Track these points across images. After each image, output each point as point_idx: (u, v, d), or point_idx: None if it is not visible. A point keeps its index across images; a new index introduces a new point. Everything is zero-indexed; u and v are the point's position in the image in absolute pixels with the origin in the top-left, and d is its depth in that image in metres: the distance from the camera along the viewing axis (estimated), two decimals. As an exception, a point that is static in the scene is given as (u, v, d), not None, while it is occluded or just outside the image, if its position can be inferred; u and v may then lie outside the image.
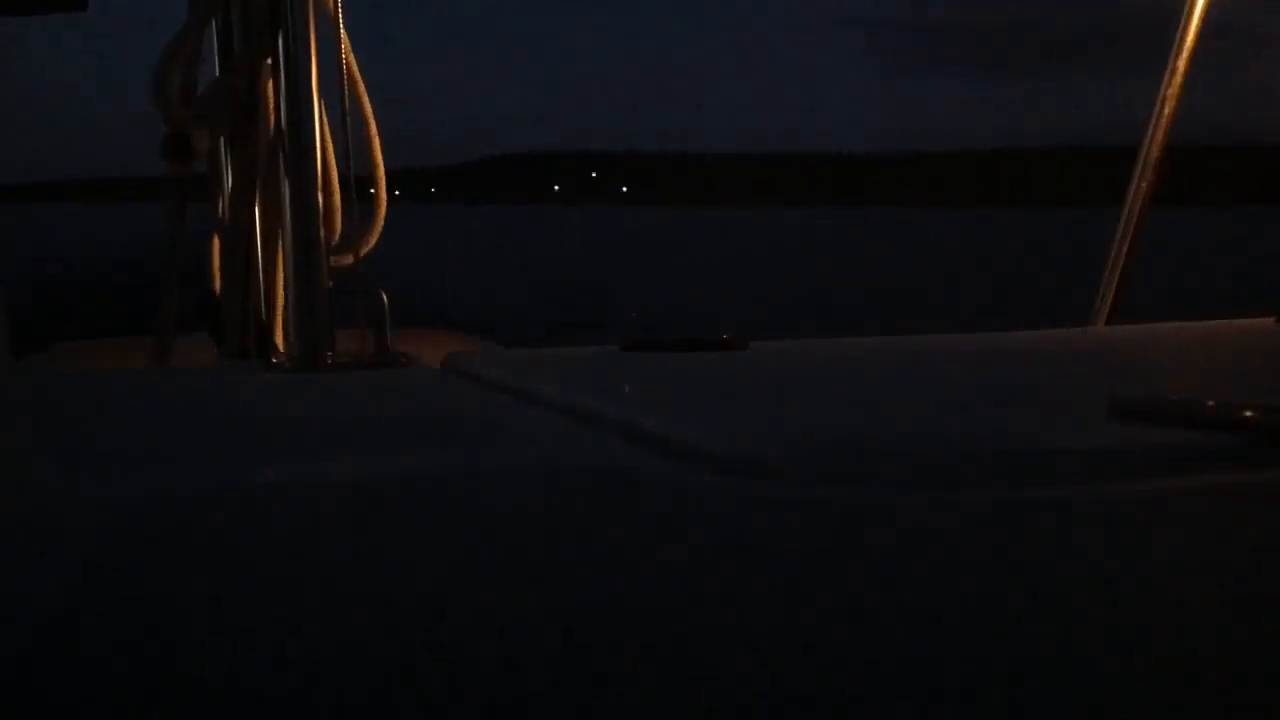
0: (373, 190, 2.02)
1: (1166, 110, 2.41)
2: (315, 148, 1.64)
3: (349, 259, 1.95)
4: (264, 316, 1.89)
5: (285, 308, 1.80)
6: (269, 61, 1.80)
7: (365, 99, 1.99)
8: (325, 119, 1.71)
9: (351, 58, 1.95)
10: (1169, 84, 2.40)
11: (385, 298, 1.87)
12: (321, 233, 1.66)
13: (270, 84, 1.82)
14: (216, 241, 2.04)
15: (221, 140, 1.91)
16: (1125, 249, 2.48)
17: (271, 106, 1.81)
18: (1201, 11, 2.37)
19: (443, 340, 3.06)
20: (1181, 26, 2.39)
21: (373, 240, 2.04)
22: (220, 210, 1.97)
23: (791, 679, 0.49)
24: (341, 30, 1.90)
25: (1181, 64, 2.39)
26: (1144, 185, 2.45)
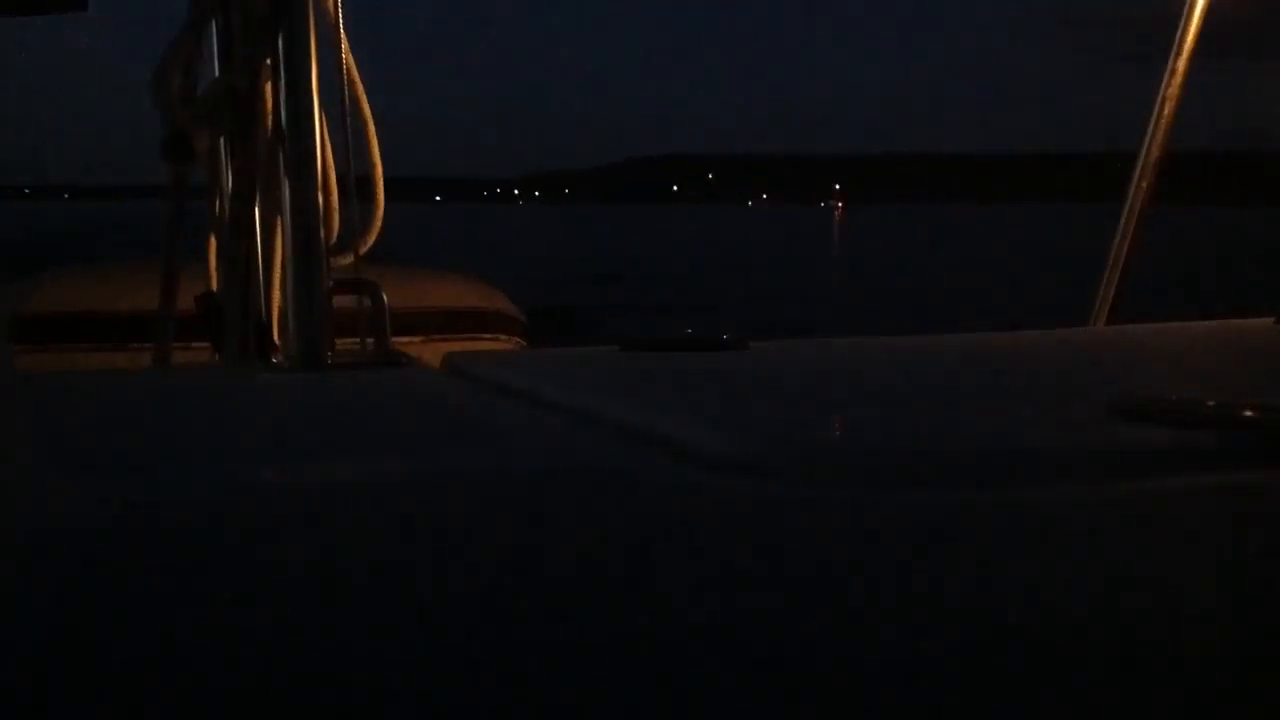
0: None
1: (1167, 111, 2.42)
2: (315, 148, 1.64)
3: (349, 259, 1.95)
4: (263, 316, 1.89)
5: (284, 308, 1.80)
6: (269, 62, 1.80)
7: (364, 100, 2.00)
8: (325, 120, 1.71)
9: (351, 58, 1.95)
10: (1169, 84, 2.41)
11: (385, 298, 1.88)
12: (321, 233, 1.66)
13: (270, 85, 1.82)
14: (213, 241, 2.04)
15: (221, 140, 1.92)
16: (1125, 249, 2.49)
17: (271, 107, 1.81)
18: (1201, 12, 2.38)
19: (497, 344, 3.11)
20: (1181, 27, 2.40)
21: (371, 240, 2.04)
22: (218, 210, 1.97)
23: (792, 679, 0.49)
24: (341, 31, 1.91)
25: (1181, 64, 2.40)
26: (1144, 185, 2.46)
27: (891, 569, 0.64)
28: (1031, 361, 1.48)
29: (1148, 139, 2.45)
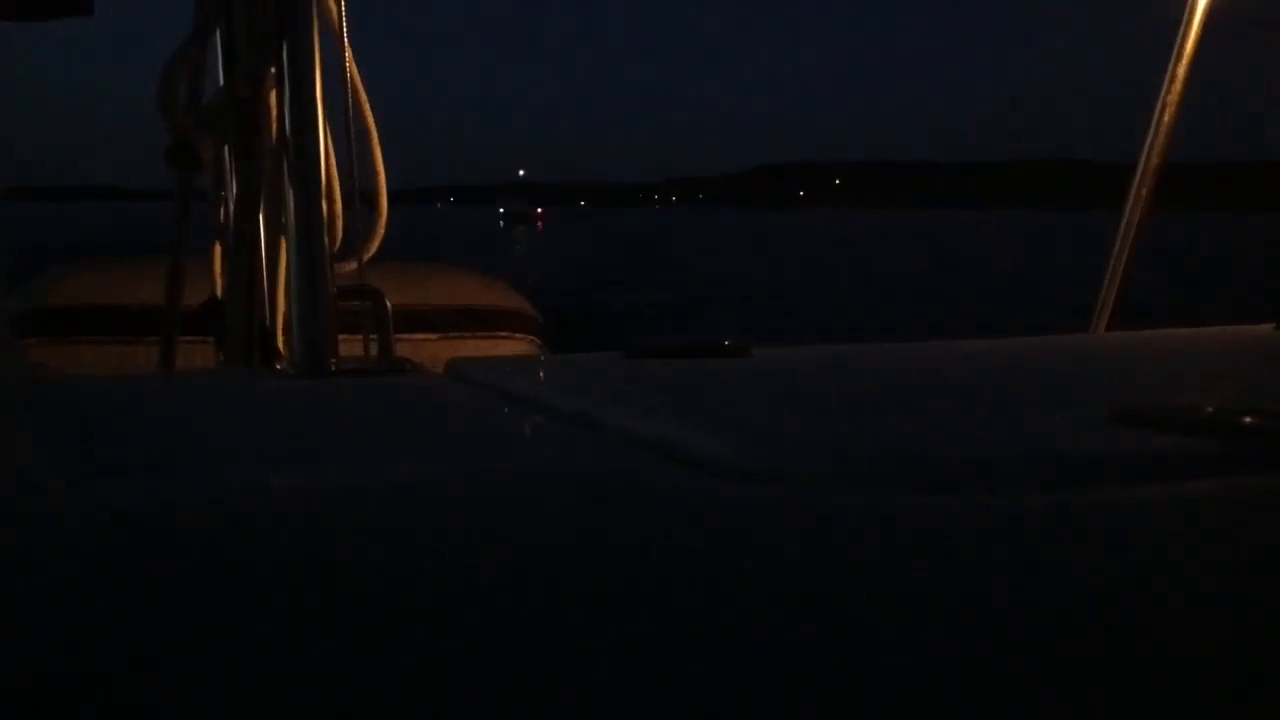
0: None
1: (1166, 118, 2.43)
2: (319, 156, 1.65)
3: (352, 266, 1.96)
4: (267, 323, 1.90)
5: (289, 314, 1.81)
6: (273, 70, 1.81)
7: (367, 108, 2.01)
8: (328, 128, 1.72)
9: (355, 67, 1.96)
10: (1169, 91, 2.42)
11: (388, 304, 1.89)
12: (325, 240, 1.67)
13: (274, 93, 1.83)
14: (219, 248, 2.05)
15: (226, 148, 1.92)
16: (1125, 256, 2.50)
17: (275, 115, 1.82)
18: (1202, 18, 2.39)
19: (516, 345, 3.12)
20: (1181, 33, 2.40)
21: (374, 247, 2.06)
22: (223, 217, 1.98)
23: (794, 682, 0.49)
24: (345, 40, 1.92)
25: (1182, 71, 2.41)
26: (1144, 192, 2.46)
27: (894, 574, 0.64)
28: (1032, 367, 1.48)
29: (1147, 146, 2.46)
